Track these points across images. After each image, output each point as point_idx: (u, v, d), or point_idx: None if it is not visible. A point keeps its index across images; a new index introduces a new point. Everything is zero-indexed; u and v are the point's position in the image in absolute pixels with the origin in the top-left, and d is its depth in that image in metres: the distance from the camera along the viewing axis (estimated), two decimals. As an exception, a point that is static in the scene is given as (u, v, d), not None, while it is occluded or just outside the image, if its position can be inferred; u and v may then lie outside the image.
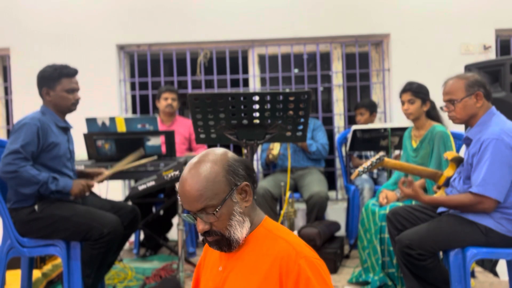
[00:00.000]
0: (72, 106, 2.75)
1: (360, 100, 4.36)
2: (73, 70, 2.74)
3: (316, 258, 1.29)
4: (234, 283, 1.33)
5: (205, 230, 1.30)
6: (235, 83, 4.93)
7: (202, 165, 1.29)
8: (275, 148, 4.02)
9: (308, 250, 1.30)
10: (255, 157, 4.43)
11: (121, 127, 3.35)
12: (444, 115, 2.93)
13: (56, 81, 2.68)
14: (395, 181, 3.18)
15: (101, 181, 2.89)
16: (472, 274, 3.17)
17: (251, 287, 1.29)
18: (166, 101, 4.05)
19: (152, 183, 2.72)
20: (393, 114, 4.46)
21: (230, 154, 1.34)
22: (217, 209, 1.26)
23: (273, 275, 1.27)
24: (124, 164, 3.03)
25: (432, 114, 3.06)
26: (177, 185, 2.75)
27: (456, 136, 3.15)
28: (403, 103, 3.05)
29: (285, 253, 1.27)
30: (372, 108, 4.23)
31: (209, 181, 1.26)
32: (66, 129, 2.79)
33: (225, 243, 1.31)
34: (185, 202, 1.29)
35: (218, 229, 1.29)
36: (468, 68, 3.38)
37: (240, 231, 1.30)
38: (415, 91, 2.99)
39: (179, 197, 1.30)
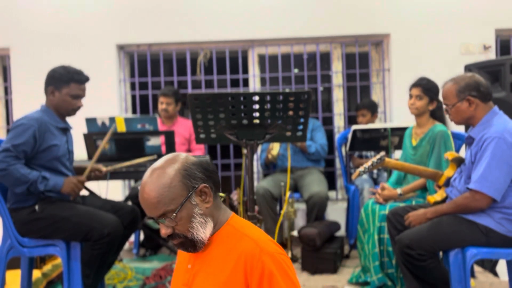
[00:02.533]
0: (72, 112, 2.75)
1: (361, 101, 4.34)
2: (84, 77, 2.74)
3: (280, 253, 1.32)
4: (201, 281, 1.35)
5: (168, 234, 1.33)
6: (235, 83, 4.92)
7: (159, 171, 1.31)
8: (275, 148, 4.02)
9: (272, 246, 1.32)
10: (255, 157, 4.43)
11: (121, 127, 3.35)
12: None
13: (65, 83, 2.67)
14: (396, 180, 3.18)
15: (100, 172, 2.87)
16: (472, 274, 3.17)
17: (218, 285, 1.31)
18: (162, 105, 4.06)
19: (152, 183, 2.71)
20: (393, 114, 4.46)
21: (189, 158, 1.36)
22: (175, 213, 1.29)
23: (239, 273, 1.29)
24: (125, 164, 3.01)
25: (438, 115, 3.05)
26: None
27: (457, 136, 3.15)
28: (410, 96, 3.04)
29: (249, 251, 1.29)
30: (373, 108, 4.23)
31: (165, 187, 1.29)
32: (65, 129, 2.79)
33: (189, 244, 1.34)
34: (146, 209, 1.32)
35: (181, 231, 1.32)
36: (468, 68, 3.38)
37: (203, 232, 1.33)
38: (425, 88, 2.99)
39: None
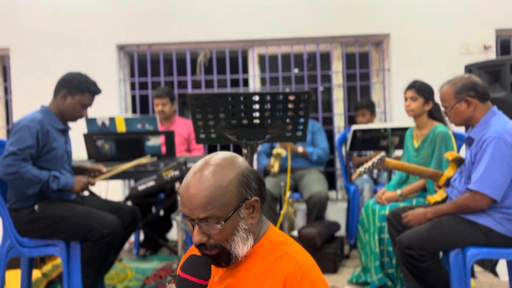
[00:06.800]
0: (76, 119, 2.78)
1: (360, 101, 4.34)
2: (99, 90, 2.78)
3: (322, 281, 1.19)
4: None
5: (202, 243, 1.16)
6: (235, 83, 4.93)
7: (216, 168, 1.14)
8: (275, 166, 3.97)
9: (315, 270, 1.21)
10: (255, 157, 4.43)
11: (121, 127, 3.35)
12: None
13: (80, 91, 2.70)
14: (398, 182, 3.18)
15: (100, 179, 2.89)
16: (472, 274, 3.17)
17: None
18: (157, 107, 4.04)
19: (152, 183, 2.71)
20: (393, 114, 4.46)
21: (244, 161, 1.22)
22: (223, 222, 1.13)
23: None
24: (125, 167, 3.00)
25: (436, 116, 3.04)
26: (177, 185, 2.74)
27: (457, 137, 3.14)
28: (406, 99, 3.06)
29: (290, 272, 1.17)
30: (373, 108, 4.24)
31: (221, 188, 1.12)
32: (64, 131, 2.79)
33: (224, 258, 1.18)
34: (187, 207, 1.14)
35: (217, 241, 1.16)
36: (468, 68, 3.38)
37: (241, 248, 1.18)
38: (419, 89, 3.00)
39: (179, 199, 1.24)
